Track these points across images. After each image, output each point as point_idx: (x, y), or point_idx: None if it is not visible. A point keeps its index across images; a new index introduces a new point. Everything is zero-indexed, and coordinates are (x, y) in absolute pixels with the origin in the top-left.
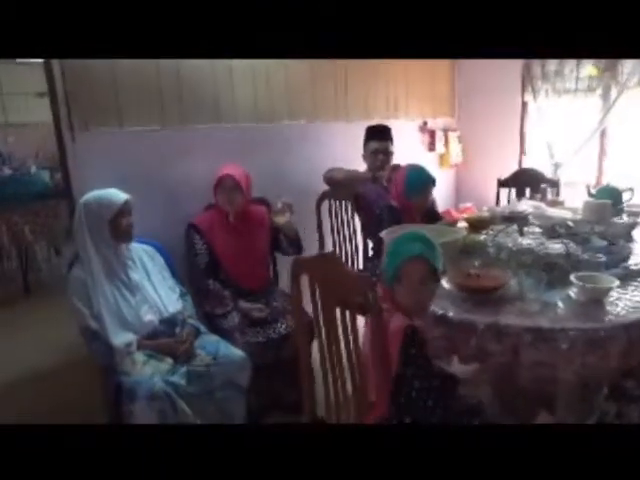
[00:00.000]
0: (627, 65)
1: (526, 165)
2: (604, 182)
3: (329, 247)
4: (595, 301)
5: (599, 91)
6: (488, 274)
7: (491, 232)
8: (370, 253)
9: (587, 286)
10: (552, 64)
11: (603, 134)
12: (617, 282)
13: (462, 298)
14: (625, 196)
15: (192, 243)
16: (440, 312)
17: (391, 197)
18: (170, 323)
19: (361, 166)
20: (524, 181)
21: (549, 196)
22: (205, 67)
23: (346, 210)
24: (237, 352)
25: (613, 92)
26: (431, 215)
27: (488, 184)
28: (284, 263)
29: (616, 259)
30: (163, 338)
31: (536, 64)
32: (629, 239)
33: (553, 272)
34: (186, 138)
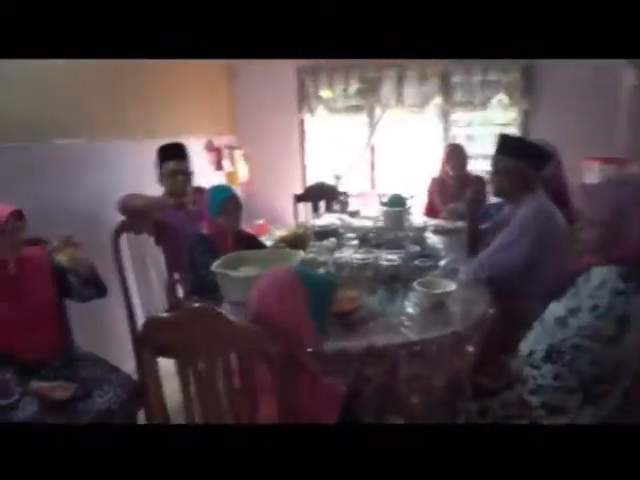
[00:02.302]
0: (386, 87)
1: (309, 179)
2: (379, 191)
3: (133, 287)
4: (439, 304)
5: (366, 111)
6: (344, 295)
7: (314, 249)
8: (180, 288)
9: (431, 292)
10: (324, 84)
11: (372, 149)
12: (454, 285)
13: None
14: (409, 202)
15: None
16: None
17: (199, 223)
18: None
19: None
20: (318, 195)
21: (346, 207)
22: None
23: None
24: None
25: (378, 112)
26: (245, 238)
27: (277, 200)
28: (82, 314)
29: (433, 261)
30: None
31: (308, 83)
32: (424, 240)
33: (400, 282)
34: None
